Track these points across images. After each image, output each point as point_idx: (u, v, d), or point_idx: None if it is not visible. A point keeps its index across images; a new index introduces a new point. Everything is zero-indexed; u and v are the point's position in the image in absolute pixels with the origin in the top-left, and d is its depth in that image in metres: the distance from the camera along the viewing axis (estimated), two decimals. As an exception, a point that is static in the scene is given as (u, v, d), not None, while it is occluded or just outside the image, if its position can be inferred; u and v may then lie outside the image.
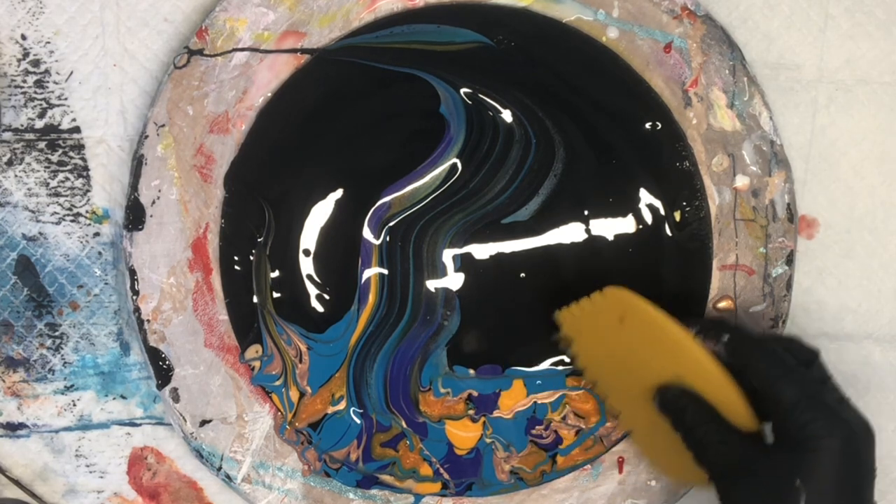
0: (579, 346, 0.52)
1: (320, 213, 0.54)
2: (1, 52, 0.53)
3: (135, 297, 0.53)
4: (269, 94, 0.53)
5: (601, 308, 0.50)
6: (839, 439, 0.44)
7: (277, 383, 0.54)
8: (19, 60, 0.53)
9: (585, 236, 0.54)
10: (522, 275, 0.54)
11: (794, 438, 0.44)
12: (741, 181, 0.54)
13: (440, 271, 0.54)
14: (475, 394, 0.55)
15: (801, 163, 0.55)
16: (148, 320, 0.53)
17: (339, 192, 0.54)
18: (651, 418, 0.48)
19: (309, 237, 0.54)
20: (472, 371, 0.55)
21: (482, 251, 0.54)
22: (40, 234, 0.54)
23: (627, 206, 0.54)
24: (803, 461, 0.44)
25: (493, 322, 0.54)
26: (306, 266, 0.54)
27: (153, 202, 0.53)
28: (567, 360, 0.54)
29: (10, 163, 0.54)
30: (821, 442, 0.44)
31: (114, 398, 0.55)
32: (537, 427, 0.55)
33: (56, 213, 0.54)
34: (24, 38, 0.53)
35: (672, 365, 0.48)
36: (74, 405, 0.55)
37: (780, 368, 0.46)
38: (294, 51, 0.52)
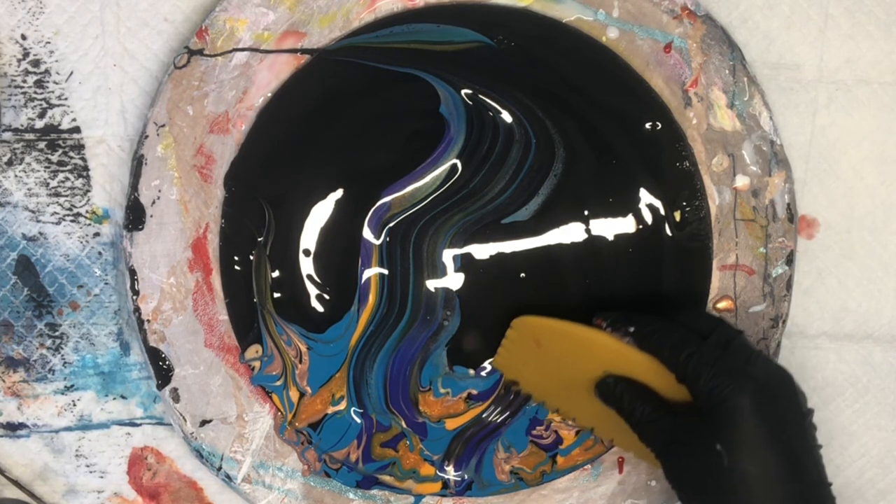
0: (523, 381, 0.54)
1: (320, 213, 0.54)
2: (1, 52, 0.53)
3: (135, 297, 0.53)
4: (269, 94, 0.53)
5: (517, 341, 0.53)
6: (747, 396, 0.45)
7: (277, 383, 0.54)
8: (19, 60, 0.53)
9: (585, 236, 0.54)
10: (522, 275, 0.54)
11: (708, 405, 0.46)
12: (741, 181, 0.54)
13: (440, 271, 0.54)
14: (475, 393, 0.55)
15: (801, 163, 0.55)
16: (148, 320, 0.53)
17: (339, 192, 0.54)
18: (602, 413, 0.50)
19: (309, 237, 0.54)
20: (471, 371, 0.55)
21: (482, 251, 0.54)
22: (40, 234, 0.54)
23: (627, 206, 0.54)
24: (719, 425, 0.45)
25: (493, 322, 0.54)
26: (306, 266, 0.54)
27: (153, 202, 0.53)
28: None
29: (10, 163, 0.54)
30: (729, 403, 0.45)
31: (114, 398, 0.55)
32: (538, 427, 0.55)
33: (56, 213, 0.54)
34: (24, 38, 0.53)
35: (598, 362, 0.49)
36: (74, 405, 0.55)
37: (680, 346, 0.47)
38: (294, 51, 0.52)
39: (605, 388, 0.50)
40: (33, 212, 0.54)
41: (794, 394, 0.47)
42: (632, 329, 0.49)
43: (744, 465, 0.45)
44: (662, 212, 0.54)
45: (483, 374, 0.55)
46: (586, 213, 0.54)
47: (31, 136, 0.54)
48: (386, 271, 0.54)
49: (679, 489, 0.47)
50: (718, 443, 0.45)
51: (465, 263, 0.54)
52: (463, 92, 0.53)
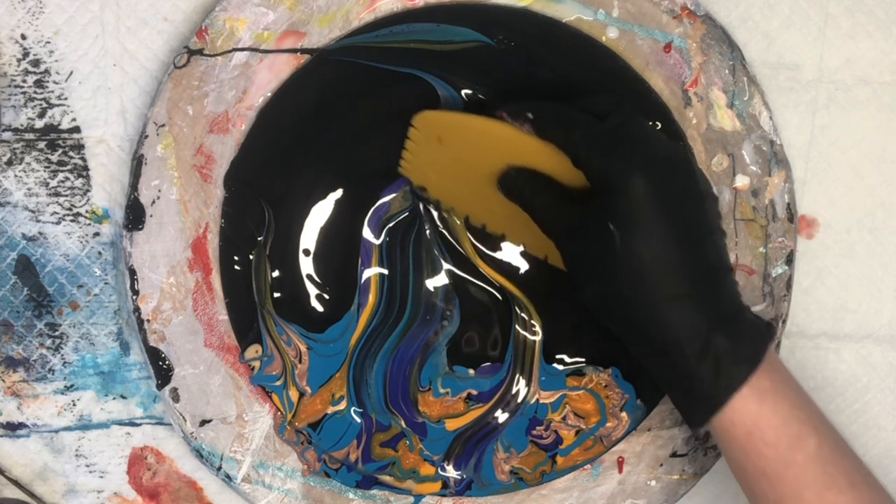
0: (430, 185, 0.53)
1: (320, 213, 0.54)
2: (1, 52, 0.53)
3: (135, 297, 0.53)
4: (269, 94, 0.53)
5: (420, 140, 0.51)
6: (640, 176, 0.44)
7: (277, 383, 0.54)
8: (19, 60, 0.53)
9: (585, 236, 0.54)
10: (522, 272, 0.54)
11: (601, 187, 0.45)
12: (741, 181, 0.54)
13: (440, 271, 0.54)
14: (475, 393, 0.55)
15: (801, 162, 0.55)
16: (148, 320, 0.53)
17: (339, 192, 0.54)
18: (510, 213, 0.49)
19: (309, 237, 0.54)
20: (471, 371, 0.55)
21: (482, 250, 0.54)
22: (40, 233, 0.54)
23: (627, 205, 0.54)
24: (611, 206, 0.44)
25: (494, 322, 0.54)
26: (306, 266, 0.54)
27: (153, 202, 0.53)
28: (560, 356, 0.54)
29: (9, 163, 0.54)
30: (620, 184, 0.44)
31: (114, 398, 0.55)
32: (538, 427, 0.55)
33: (56, 212, 0.54)
34: (24, 37, 0.53)
35: (500, 155, 0.48)
36: (74, 405, 0.55)
37: (573, 127, 0.46)
38: (294, 51, 0.52)
39: (507, 181, 0.48)
40: (33, 211, 0.54)
41: (692, 175, 0.46)
42: (530, 116, 0.47)
43: (636, 245, 0.44)
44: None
45: (483, 373, 0.55)
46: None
47: (30, 136, 0.54)
48: (386, 271, 0.54)
49: (577, 276, 0.46)
50: (611, 223, 0.44)
51: (464, 262, 0.54)
52: (463, 92, 0.53)
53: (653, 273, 0.44)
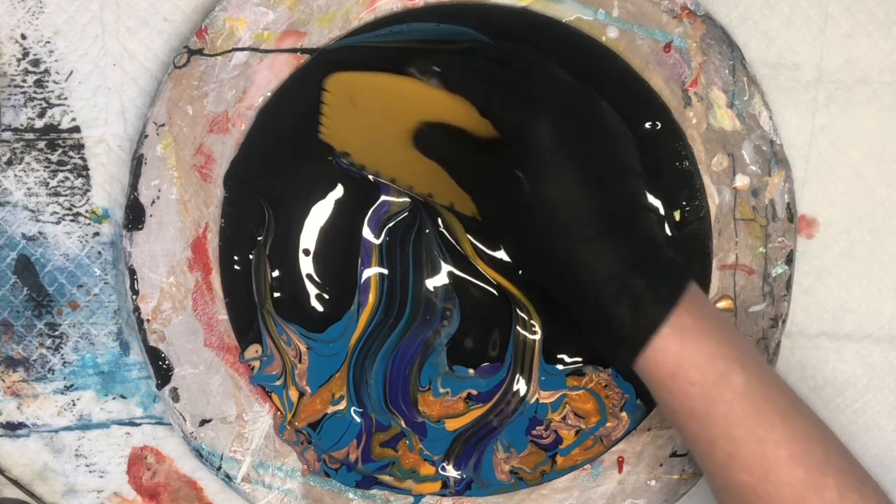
0: (352, 150, 0.52)
1: (320, 212, 0.54)
2: (1, 52, 0.53)
3: (134, 297, 0.53)
4: (269, 94, 0.53)
5: (335, 104, 0.51)
6: (543, 119, 0.43)
7: (277, 383, 0.54)
8: (19, 60, 0.53)
9: (585, 236, 0.54)
10: (522, 273, 0.54)
11: (507, 133, 0.44)
12: (741, 181, 0.54)
13: (440, 271, 0.54)
14: (475, 393, 0.55)
15: (801, 162, 0.55)
16: (148, 320, 0.53)
17: (338, 192, 0.54)
18: (433, 171, 0.48)
19: (309, 237, 0.54)
20: (471, 371, 0.55)
21: (482, 250, 0.54)
22: (40, 233, 0.54)
23: (627, 205, 0.54)
24: (517, 152, 0.44)
25: (494, 322, 0.54)
26: (306, 266, 0.54)
27: (153, 202, 0.53)
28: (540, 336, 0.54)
29: (9, 162, 0.54)
30: (524, 128, 0.43)
31: (113, 398, 0.55)
32: (538, 427, 0.55)
33: (56, 212, 0.54)
34: (23, 37, 0.53)
35: (412, 112, 0.48)
36: (74, 405, 0.55)
37: (478, 78, 0.45)
38: (294, 50, 0.52)
39: (421, 138, 0.48)
40: (33, 211, 0.54)
41: (600, 115, 0.45)
42: (437, 70, 0.47)
43: (544, 189, 0.43)
44: (662, 211, 0.54)
45: (483, 373, 0.55)
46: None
47: (30, 136, 0.54)
48: (386, 271, 0.54)
49: (492, 227, 0.46)
50: (518, 170, 0.43)
51: (464, 262, 0.54)
52: (463, 91, 0.53)
53: (563, 216, 0.43)
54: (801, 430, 0.44)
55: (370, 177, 0.53)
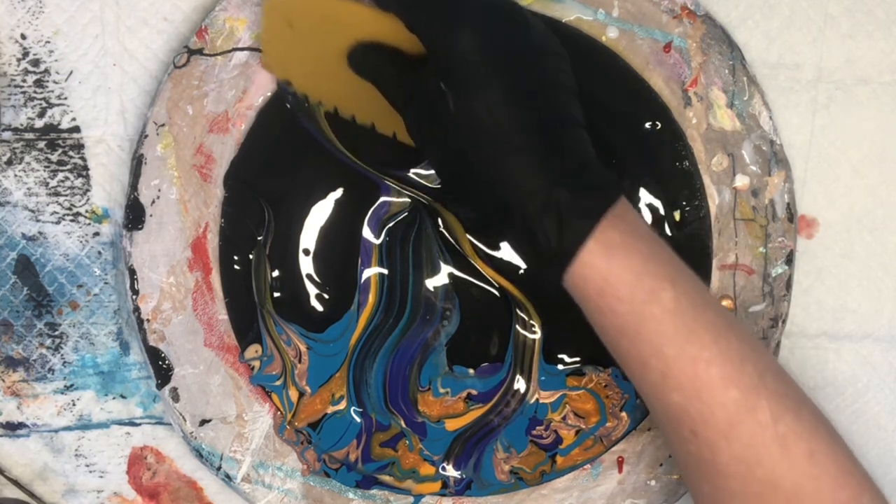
0: (293, 78, 0.52)
1: (320, 212, 0.54)
2: (1, 52, 0.53)
3: (134, 297, 0.53)
4: (269, 94, 0.53)
5: (273, 29, 0.50)
6: (464, 31, 0.42)
7: (277, 383, 0.54)
8: (19, 60, 0.53)
9: (585, 236, 0.54)
10: (521, 272, 0.54)
11: (430, 45, 0.44)
12: (741, 181, 0.54)
13: (439, 271, 0.54)
14: (475, 393, 0.55)
15: (801, 162, 0.55)
16: (148, 320, 0.53)
17: (338, 192, 0.54)
18: (373, 96, 0.47)
19: (309, 237, 0.54)
20: (471, 371, 0.55)
21: (482, 250, 0.54)
22: (40, 233, 0.54)
23: (627, 205, 0.54)
24: (440, 64, 0.43)
25: (494, 322, 0.54)
26: (306, 266, 0.54)
27: (153, 202, 0.53)
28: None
29: (9, 162, 0.54)
30: (446, 40, 0.43)
31: (113, 398, 0.55)
32: (538, 427, 0.55)
33: (56, 212, 0.54)
34: (23, 37, 0.53)
35: (346, 32, 0.47)
36: (74, 405, 0.55)
37: None
38: (294, 50, 0.52)
39: (354, 58, 0.47)
40: (33, 211, 0.54)
41: (526, 28, 0.44)
42: None
43: (468, 102, 0.42)
44: (662, 211, 0.54)
45: (483, 373, 0.55)
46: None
47: (30, 136, 0.54)
48: (386, 271, 0.54)
49: (420, 143, 0.45)
50: (443, 83, 0.43)
51: (464, 262, 0.54)
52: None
53: (488, 129, 0.43)
54: (736, 350, 0.43)
55: (316, 107, 0.52)
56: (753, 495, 0.44)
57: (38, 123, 0.54)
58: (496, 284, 0.54)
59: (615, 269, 0.43)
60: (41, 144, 0.54)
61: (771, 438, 0.43)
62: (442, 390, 0.55)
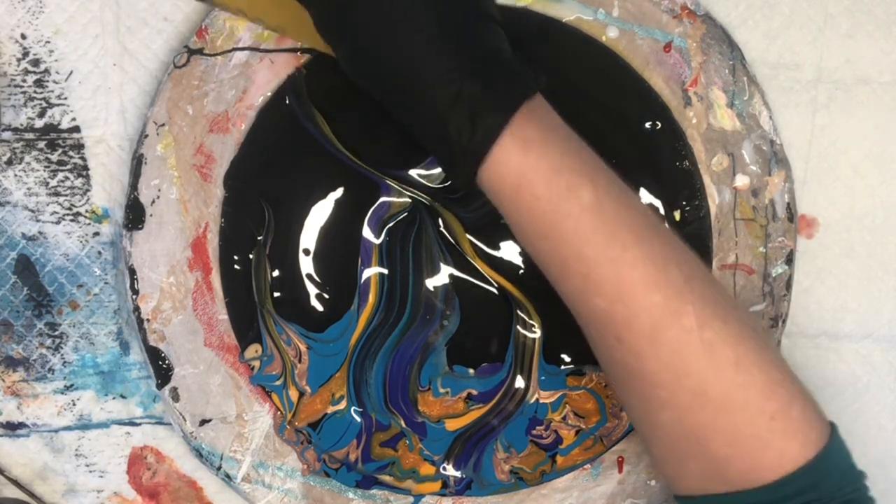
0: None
1: (320, 212, 0.54)
2: (1, 52, 0.53)
3: (134, 297, 0.53)
4: (269, 94, 0.53)
5: None
6: None
7: (277, 383, 0.54)
8: (19, 60, 0.53)
9: (585, 236, 0.54)
10: (521, 271, 0.54)
11: None
12: (741, 181, 0.54)
13: (440, 271, 0.54)
14: (475, 393, 0.55)
15: (801, 162, 0.55)
16: (148, 320, 0.53)
17: (338, 192, 0.54)
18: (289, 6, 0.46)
19: (309, 237, 0.54)
20: (471, 371, 0.55)
21: (482, 250, 0.54)
22: (40, 233, 0.54)
23: (627, 205, 0.54)
24: None
25: (494, 321, 0.54)
26: (306, 265, 0.54)
27: (153, 201, 0.53)
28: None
29: (9, 162, 0.54)
30: None
31: (113, 398, 0.55)
32: (538, 427, 0.55)
33: (56, 212, 0.54)
34: (23, 37, 0.53)
35: None
36: (74, 405, 0.55)
37: None
38: (294, 50, 0.52)
39: None
40: (33, 211, 0.54)
41: None
42: None
43: None
44: (662, 211, 0.54)
45: (483, 373, 0.55)
46: (586, 212, 0.54)
47: (30, 136, 0.54)
48: (386, 271, 0.54)
49: (329, 39, 0.44)
50: None
51: (464, 262, 0.54)
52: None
53: (396, 20, 0.41)
54: (659, 252, 0.42)
55: (254, 23, 0.50)
56: (683, 406, 0.42)
57: (38, 123, 0.54)
58: (496, 284, 0.54)
59: (531, 164, 0.41)
60: (41, 144, 0.54)
61: (696, 345, 0.41)
62: (442, 390, 0.55)
